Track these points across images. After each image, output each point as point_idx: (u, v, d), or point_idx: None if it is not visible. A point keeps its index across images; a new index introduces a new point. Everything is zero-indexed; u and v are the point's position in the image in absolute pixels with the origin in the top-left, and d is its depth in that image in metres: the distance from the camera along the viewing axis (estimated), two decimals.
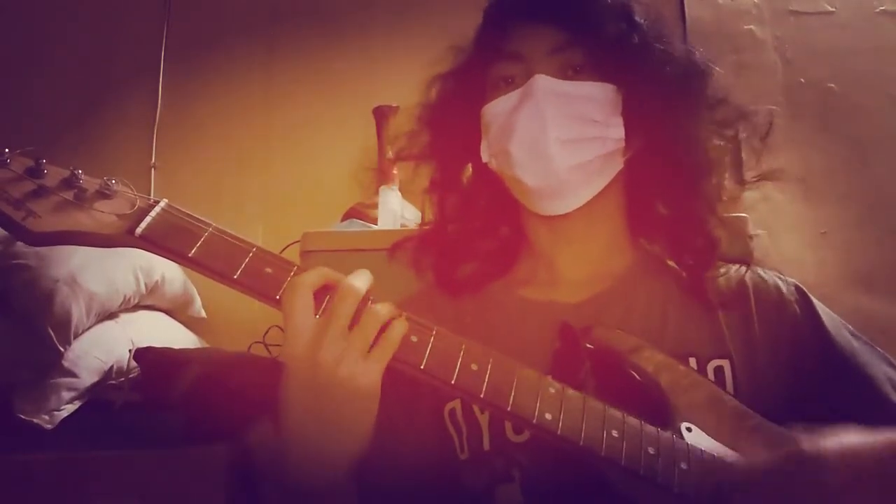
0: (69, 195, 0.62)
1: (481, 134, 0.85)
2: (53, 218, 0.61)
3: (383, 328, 0.62)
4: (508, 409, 0.63)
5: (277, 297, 0.61)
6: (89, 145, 2.04)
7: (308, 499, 0.64)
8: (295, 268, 0.63)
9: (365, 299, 0.62)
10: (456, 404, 0.81)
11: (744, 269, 0.84)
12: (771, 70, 1.99)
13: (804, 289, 0.86)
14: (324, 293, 0.62)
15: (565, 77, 0.79)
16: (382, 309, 0.62)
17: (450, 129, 0.87)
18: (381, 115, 1.89)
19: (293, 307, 0.60)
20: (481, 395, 0.63)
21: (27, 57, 2.16)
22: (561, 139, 0.77)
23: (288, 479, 0.63)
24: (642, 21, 0.81)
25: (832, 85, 1.96)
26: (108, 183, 0.64)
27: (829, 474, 0.59)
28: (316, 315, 0.61)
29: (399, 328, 0.62)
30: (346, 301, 0.60)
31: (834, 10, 2.02)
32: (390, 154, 1.81)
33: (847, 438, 0.61)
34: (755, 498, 0.62)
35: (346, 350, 0.59)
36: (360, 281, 0.62)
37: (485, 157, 0.84)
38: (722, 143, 0.82)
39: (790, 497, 0.60)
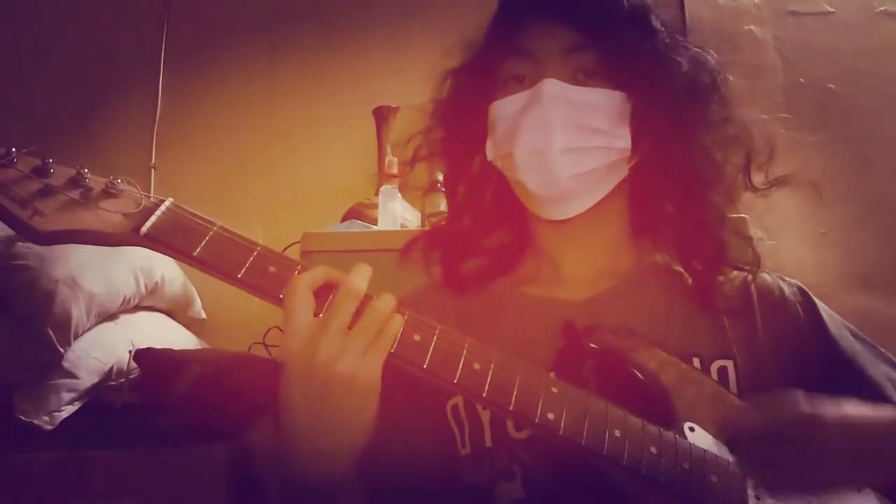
0: (75, 194, 0.62)
1: (488, 130, 0.85)
2: (60, 217, 0.61)
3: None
4: (511, 408, 0.63)
5: (280, 296, 0.62)
6: (90, 145, 2.04)
7: (315, 497, 0.64)
8: (298, 267, 0.63)
9: (367, 298, 0.62)
10: (458, 400, 0.81)
11: (746, 270, 0.84)
12: (771, 70, 1.99)
13: (807, 290, 0.86)
14: (325, 292, 0.62)
15: (576, 81, 0.79)
16: (383, 305, 0.62)
17: (460, 125, 0.86)
18: (381, 115, 1.89)
19: (293, 306, 0.60)
20: (483, 395, 0.63)
21: (28, 57, 2.16)
22: (565, 148, 0.77)
23: (292, 478, 0.63)
24: (659, 27, 0.80)
25: (832, 85, 1.96)
26: (114, 182, 0.64)
27: (828, 437, 0.62)
28: (319, 314, 0.61)
29: (396, 323, 0.62)
30: (347, 300, 0.61)
31: (834, 10, 2.03)
32: (390, 154, 1.81)
33: (848, 408, 0.64)
34: (754, 451, 0.65)
35: (345, 348, 0.59)
36: (361, 279, 0.62)
37: (490, 156, 0.84)
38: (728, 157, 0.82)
39: (787, 453, 0.63)
